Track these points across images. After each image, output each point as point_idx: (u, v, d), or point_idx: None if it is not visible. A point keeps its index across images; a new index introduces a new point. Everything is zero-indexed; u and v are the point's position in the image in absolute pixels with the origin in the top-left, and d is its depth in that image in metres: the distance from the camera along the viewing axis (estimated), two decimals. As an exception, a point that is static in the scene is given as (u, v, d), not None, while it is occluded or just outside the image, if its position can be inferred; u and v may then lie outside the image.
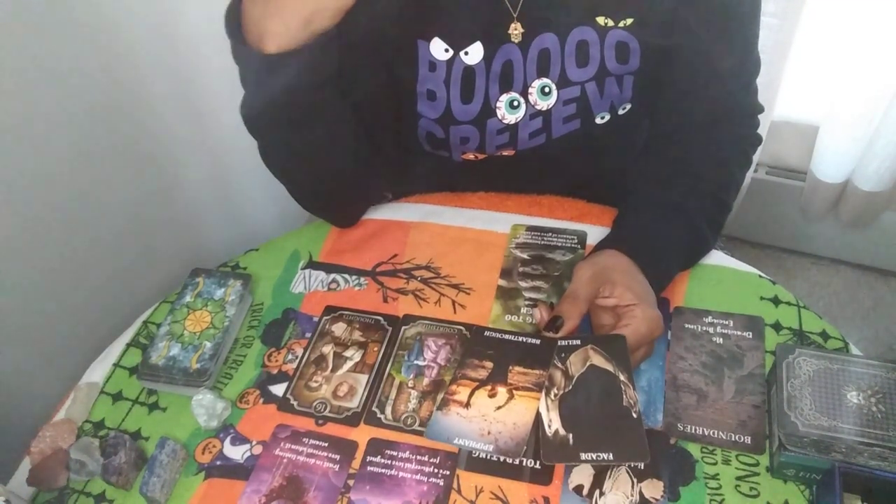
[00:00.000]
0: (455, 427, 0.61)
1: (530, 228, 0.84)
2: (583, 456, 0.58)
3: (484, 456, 0.64)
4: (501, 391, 0.63)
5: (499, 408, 0.62)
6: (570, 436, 0.59)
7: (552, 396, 0.62)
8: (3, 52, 0.75)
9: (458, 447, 0.62)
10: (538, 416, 0.61)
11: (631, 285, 0.66)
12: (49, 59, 0.79)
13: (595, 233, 0.82)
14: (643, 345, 0.65)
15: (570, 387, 0.62)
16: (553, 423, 0.60)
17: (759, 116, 0.82)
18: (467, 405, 0.63)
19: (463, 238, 0.84)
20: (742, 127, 0.81)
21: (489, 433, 0.60)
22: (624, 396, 0.60)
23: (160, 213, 1.01)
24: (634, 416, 0.59)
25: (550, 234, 0.83)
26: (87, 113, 0.86)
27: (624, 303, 0.65)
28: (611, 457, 0.58)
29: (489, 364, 0.66)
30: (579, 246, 0.81)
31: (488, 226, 0.85)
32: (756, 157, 1.59)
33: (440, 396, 0.66)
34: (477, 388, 0.64)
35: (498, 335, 0.69)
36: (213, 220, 1.07)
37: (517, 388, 0.63)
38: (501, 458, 0.64)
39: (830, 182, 1.50)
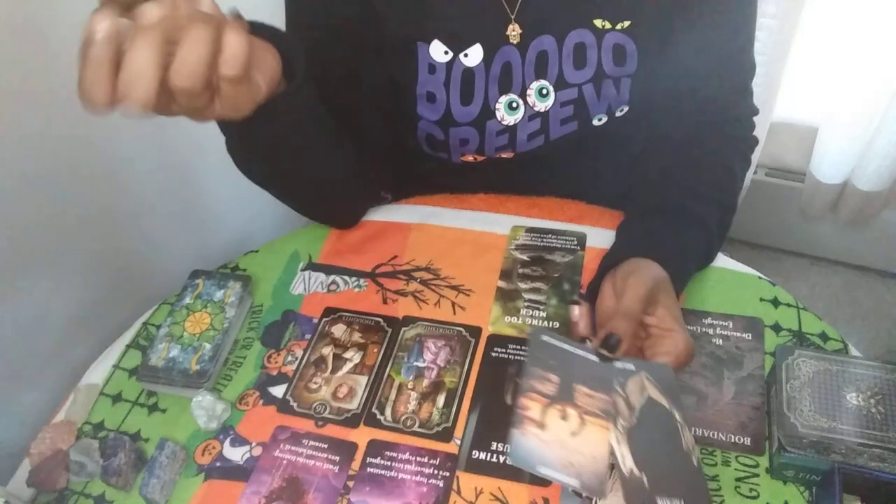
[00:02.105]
0: (537, 453, 0.57)
1: (530, 230, 0.84)
2: (659, 501, 0.54)
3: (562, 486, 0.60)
4: (572, 414, 0.59)
5: (574, 434, 0.58)
6: (644, 477, 0.55)
7: (620, 427, 0.58)
8: (6, 51, 0.76)
9: (543, 476, 0.57)
10: (612, 450, 0.57)
11: (672, 308, 0.63)
12: (51, 58, 0.79)
13: (594, 234, 0.82)
14: (680, 371, 0.63)
15: (636, 420, 0.58)
16: (627, 460, 0.56)
17: (755, 118, 0.82)
18: (542, 426, 0.58)
19: (462, 239, 0.84)
20: (740, 129, 0.82)
21: (571, 464, 0.56)
22: (682, 439, 0.57)
23: (160, 214, 1.01)
24: (695, 464, 0.56)
25: (550, 235, 0.83)
26: (87, 112, 0.86)
27: (664, 326, 0.62)
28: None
29: (554, 378, 0.61)
30: (578, 247, 0.81)
31: (488, 227, 0.85)
32: (756, 159, 1.60)
33: (513, 411, 0.59)
34: (548, 405, 0.59)
35: (556, 342, 0.63)
36: (212, 222, 1.07)
37: (587, 413, 0.59)
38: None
39: (830, 183, 1.50)
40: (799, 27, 1.29)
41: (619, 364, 0.61)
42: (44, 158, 0.84)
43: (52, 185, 0.86)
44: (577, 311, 0.65)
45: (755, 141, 0.83)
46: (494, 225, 0.85)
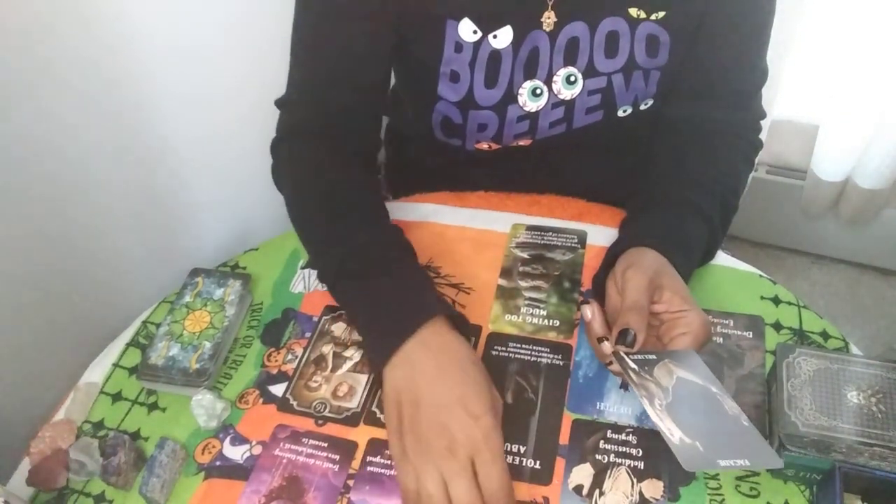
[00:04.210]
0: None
1: (530, 228, 0.84)
2: (721, 463, 0.54)
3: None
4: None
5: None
6: (697, 444, 0.55)
7: (657, 406, 0.58)
8: (2, 49, 0.75)
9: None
10: (657, 427, 0.57)
11: (678, 289, 0.63)
12: (48, 54, 0.79)
13: (595, 232, 0.82)
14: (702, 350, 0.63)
15: (671, 397, 0.58)
16: (674, 431, 0.56)
17: (762, 122, 0.82)
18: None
19: (463, 237, 0.84)
20: (748, 132, 0.81)
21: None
22: (724, 406, 0.58)
23: (160, 213, 1.00)
24: (745, 424, 0.56)
25: (550, 233, 0.83)
26: (86, 110, 0.86)
27: (673, 308, 0.62)
28: (747, 462, 0.55)
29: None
30: (579, 245, 0.81)
31: (488, 225, 0.85)
32: (756, 158, 1.60)
33: None
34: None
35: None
36: (212, 220, 1.07)
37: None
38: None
39: (831, 180, 1.50)
40: (800, 24, 1.29)
41: (640, 356, 0.61)
42: (45, 156, 0.85)
43: (52, 183, 0.86)
44: (590, 311, 0.64)
45: (760, 144, 0.82)
46: (495, 223, 0.85)
